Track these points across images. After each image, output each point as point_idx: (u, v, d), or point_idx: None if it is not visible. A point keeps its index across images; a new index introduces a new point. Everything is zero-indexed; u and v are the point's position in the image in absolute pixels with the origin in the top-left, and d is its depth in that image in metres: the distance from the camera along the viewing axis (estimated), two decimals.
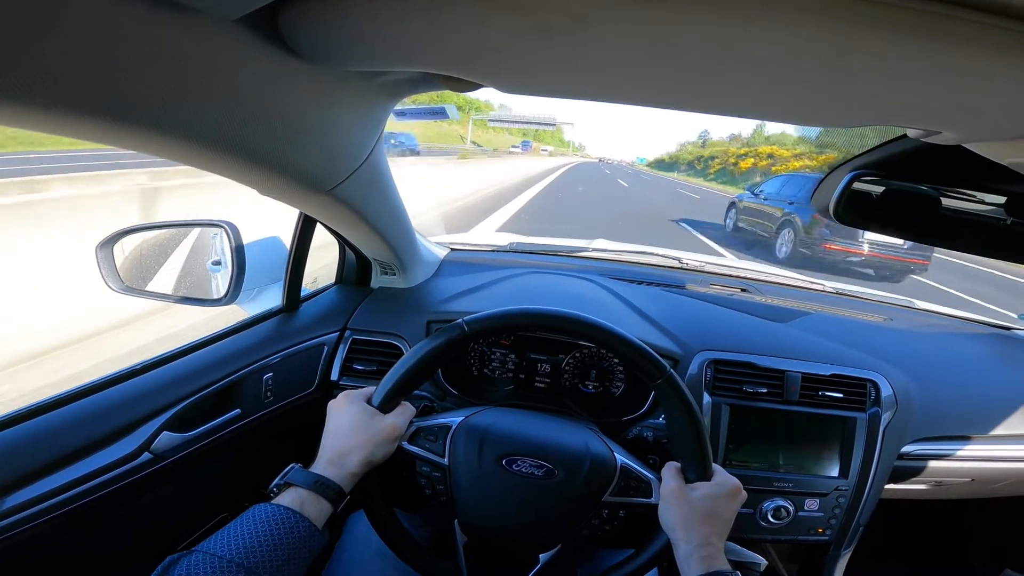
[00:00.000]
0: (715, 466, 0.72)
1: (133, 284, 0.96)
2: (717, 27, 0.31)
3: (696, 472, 0.70)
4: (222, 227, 0.96)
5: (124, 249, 0.97)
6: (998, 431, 1.08)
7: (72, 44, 0.33)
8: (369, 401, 0.70)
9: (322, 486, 0.59)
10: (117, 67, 0.36)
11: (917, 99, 0.37)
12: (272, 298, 1.06)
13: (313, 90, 0.53)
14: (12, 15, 0.29)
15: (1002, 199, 0.70)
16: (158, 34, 0.36)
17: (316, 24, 0.40)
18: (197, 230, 1.15)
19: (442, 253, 1.33)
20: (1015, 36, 0.28)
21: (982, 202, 0.70)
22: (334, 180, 0.69)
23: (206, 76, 0.42)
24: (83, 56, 0.34)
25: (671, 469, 0.72)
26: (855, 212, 0.74)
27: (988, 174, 0.64)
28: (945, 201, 0.71)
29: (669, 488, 0.69)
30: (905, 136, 0.58)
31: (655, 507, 0.71)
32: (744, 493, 0.70)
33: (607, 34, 0.33)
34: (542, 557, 0.72)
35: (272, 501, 0.58)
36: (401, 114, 0.76)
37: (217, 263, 1.13)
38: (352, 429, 0.66)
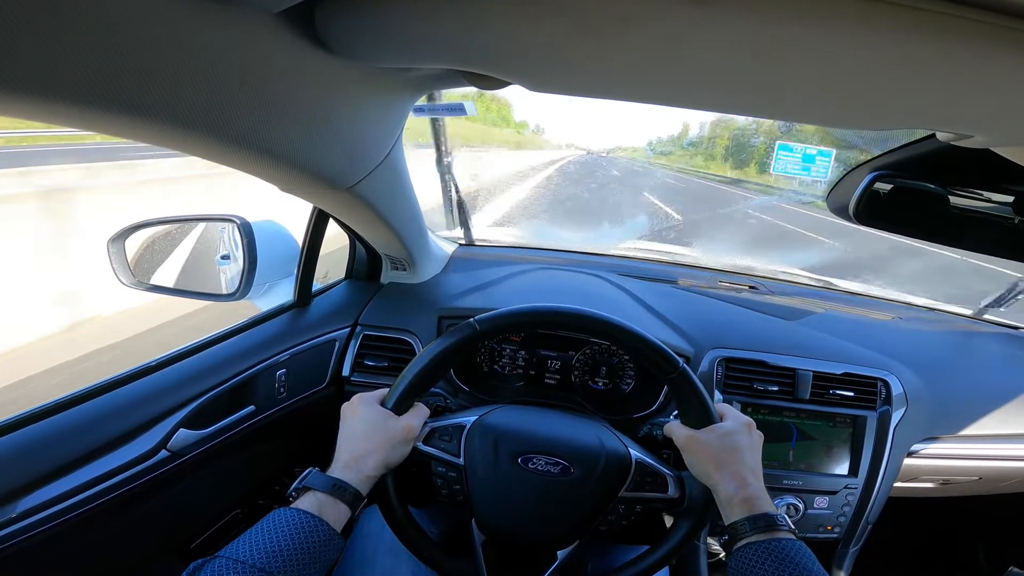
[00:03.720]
0: (723, 406, 0.73)
1: (144, 279, 0.96)
2: (760, 32, 0.31)
3: (701, 420, 0.70)
4: (233, 221, 0.96)
5: (135, 244, 0.97)
6: (1006, 430, 1.08)
7: (108, 38, 0.32)
8: (383, 403, 0.69)
9: (340, 490, 0.59)
10: (153, 60, 0.35)
11: (958, 105, 0.37)
12: (282, 293, 1.06)
13: (342, 85, 0.53)
14: (49, 11, 0.29)
15: (1010, 199, 0.70)
16: (199, 26, 0.36)
17: (353, 19, 0.39)
18: (206, 224, 1.15)
19: (451, 248, 1.33)
20: None
21: (989, 200, 0.71)
22: (355, 177, 0.68)
23: (241, 72, 0.42)
24: (118, 51, 0.33)
25: (675, 424, 0.72)
26: (873, 213, 0.74)
27: (1003, 175, 0.64)
28: (953, 200, 0.71)
29: (684, 437, 0.69)
30: (932, 137, 0.58)
31: (671, 501, 0.71)
32: (758, 431, 0.70)
33: (649, 36, 0.33)
34: (560, 554, 0.72)
35: (291, 505, 0.58)
36: (420, 110, 0.75)
37: (225, 257, 1.13)
38: (367, 432, 0.66)
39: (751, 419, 0.70)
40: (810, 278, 1.46)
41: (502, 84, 0.51)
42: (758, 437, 0.69)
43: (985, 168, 0.61)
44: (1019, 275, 1.34)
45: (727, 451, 0.66)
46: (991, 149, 0.51)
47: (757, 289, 1.34)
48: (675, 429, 0.72)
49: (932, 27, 0.29)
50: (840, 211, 0.78)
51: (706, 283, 1.32)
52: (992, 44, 0.29)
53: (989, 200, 0.71)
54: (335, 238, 1.11)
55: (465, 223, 1.40)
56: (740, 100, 0.44)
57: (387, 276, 1.17)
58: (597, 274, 1.26)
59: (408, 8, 0.36)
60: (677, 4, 0.29)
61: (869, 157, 0.72)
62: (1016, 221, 0.70)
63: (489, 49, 0.40)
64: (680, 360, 0.72)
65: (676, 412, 0.75)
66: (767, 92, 0.40)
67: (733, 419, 0.70)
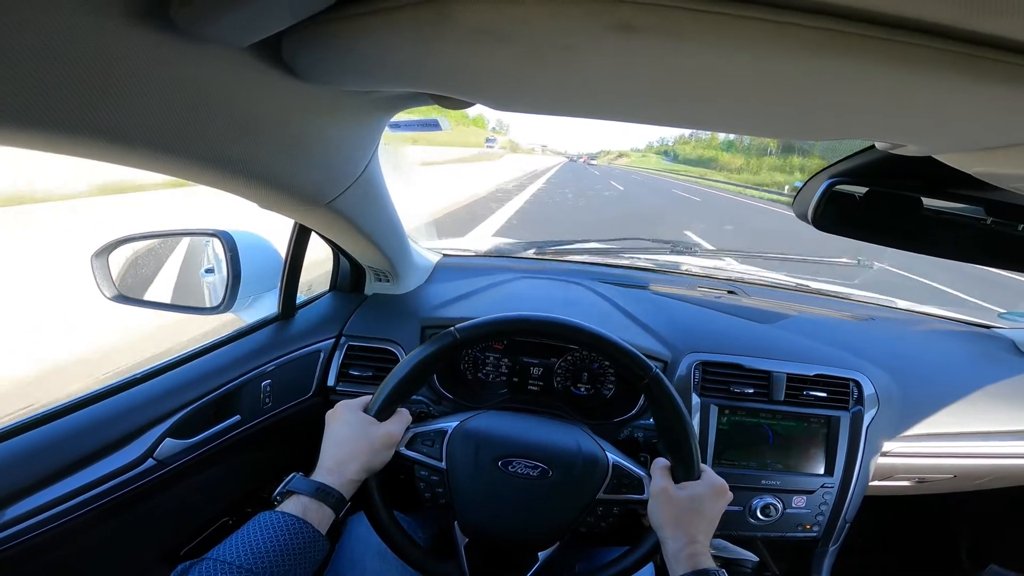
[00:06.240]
0: (703, 466, 0.74)
1: (129, 293, 0.97)
2: (686, 56, 0.33)
3: (684, 471, 0.72)
4: (216, 236, 0.98)
5: (119, 258, 0.98)
6: (978, 428, 1.11)
7: (85, 71, 0.34)
8: (366, 410, 0.72)
9: (323, 493, 0.61)
10: (129, 93, 0.38)
11: (878, 117, 0.40)
12: (267, 306, 1.07)
13: (313, 108, 0.55)
14: (26, 44, 0.31)
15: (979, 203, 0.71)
16: (170, 62, 0.39)
17: (318, 49, 0.42)
18: (191, 239, 1.17)
19: (435, 259, 1.35)
20: (965, 58, 0.30)
21: (960, 202, 0.70)
22: (332, 193, 0.71)
23: (213, 100, 0.44)
24: (95, 82, 0.35)
25: (659, 468, 0.74)
26: (834, 219, 0.76)
27: (962, 181, 0.65)
28: (926, 201, 0.71)
29: (658, 487, 0.71)
30: (873, 147, 0.61)
31: (647, 503, 0.73)
32: (730, 494, 0.72)
33: (591, 62, 0.36)
34: (541, 555, 0.74)
35: (276, 509, 0.59)
36: (395, 126, 0.78)
37: (209, 270, 1.15)
38: (350, 438, 0.68)
39: (725, 483, 0.72)
40: (788, 280, 1.49)
41: (466, 104, 0.53)
42: (724, 503, 0.71)
43: (937, 172, 0.62)
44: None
45: (688, 513, 0.68)
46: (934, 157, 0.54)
47: (735, 293, 1.37)
48: (656, 475, 0.73)
49: (844, 47, 0.31)
50: (803, 218, 0.81)
51: (685, 288, 1.34)
52: (902, 62, 0.31)
53: (961, 202, 0.70)
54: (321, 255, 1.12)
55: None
56: (681, 115, 0.47)
57: (371, 287, 1.19)
58: (578, 282, 1.28)
59: (368, 37, 0.38)
60: (607, 32, 0.31)
61: (825, 165, 0.75)
62: (989, 222, 0.70)
63: (447, 73, 0.43)
64: (653, 365, 0.74)
65: (656, 428, 0.77)
66: (706, 108, 0.43)
67: (708, 482, 0.71)
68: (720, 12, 0.29)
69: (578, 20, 0.31)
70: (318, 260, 1.16)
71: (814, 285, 1.47)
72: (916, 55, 0.30)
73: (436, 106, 0.58)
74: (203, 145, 0.47)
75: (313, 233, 0.98)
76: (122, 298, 0.95)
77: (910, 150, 0.49)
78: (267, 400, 0.95)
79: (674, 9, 0.29)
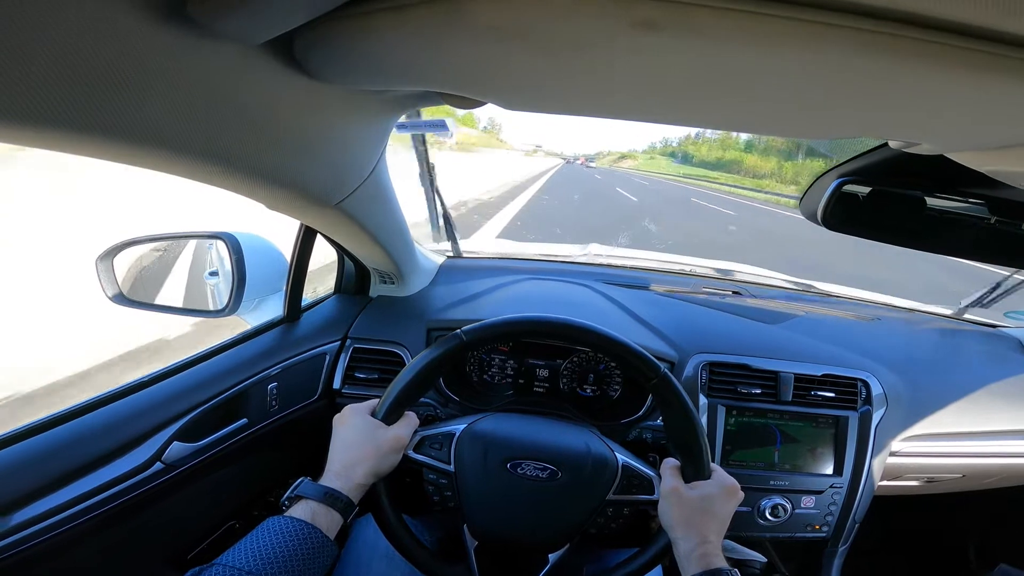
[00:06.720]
0: (713, 465, 0.73)
1: (134, 296, 0.97)
2: (708, 55, 0.33)
3: (694, 470, 0.71)
4: (221, 239, 0.98)
5: (124, 261, 0.98)
6: (986, 427, 1.11)
7: (97, 68, 0.34)
8: (373, 414, 0.72)
9: (331, 498, 0.61)
10: (139, 91, 0.37)
11: (896, 114, 0.40)
12: (272, 309, 1.07)
13: (323, 108, 0.55)
14: (39, 41, 0.31)
15: (984, 202, 0.72)
16: (182, 59, 0.38)
17: (329, 48, 0.42)
18: (195, 241, 1.16)
19: (439, 260, 1.35)
20: (988, 57, 0.30)
21: (966, 202, 0.71)
22: (340, 194, 0.71)
23: (223, 98, 0.44)
24: (107, 80, 0.35)
25: (669, 468, 0.73)
26: (842, 218, 0.76)
27: (970, 179, 0.66)
28: (930, 201, 0.72)
29: (668, 487, 0.71)
30: (886, 145, 0.61)
31: (658, 503, 0.72)
32: (741, 493, 0.71)
33: (608, 59, 0.35)
34: (551, 557, 0.73)
35: (284, 514, 0.59)
36: (402, 127, 0.78)
37: (214, 273, 1.15)
38: (357, 442, 0.68)
39: (736, 482, 0.72)
40: (791, 281, 1.49)
41: (477, 103, 0.53)
42: (736, 502, 0.71)
43: (945, 171, 0.62)
44: (1003, 273, 1.36)
45: (700, 513, 0.68)
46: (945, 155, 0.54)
47: (740, 294, 1.37)
48: (666, 476, 0.73)
49: (869, 46, 0.31)
50: (811, 218, 0.80)
51: (690, 289, 1.34)
52: (924, 60, 0.31)
53: (964, 201, 0.72)
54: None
55: (452, 236, 1.42)
56: (699, 114, 0.46)
57: (375, 290, 1.19)
58: (583, 283, 1.28)
59: (380, 36, 0.38)
60: (626, 29, 0.31)
61: (834, 164, 0.75)
62: (992, 221, 0.70)
63: (459, 71, 0.43)
64: (661, 365, 0.74)
65: (664, 428, 0.77)
66: (721, 106, 0.42)
67: (719, 481, 0.71)
68: (744, 10, 0.29)
69: (596, 16, 0.31)
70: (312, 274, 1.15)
71: (819, 286, 1.47)
72: (943, 54, 0.30)
73: (446, 106, 0.58)
74: (212, 144, 0.46)
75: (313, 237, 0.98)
76: (127, 301, 0.95)
77: (924, 148, 0.49)
78: (274, 403, 0.95)
79: (697, 7, 0.29)
